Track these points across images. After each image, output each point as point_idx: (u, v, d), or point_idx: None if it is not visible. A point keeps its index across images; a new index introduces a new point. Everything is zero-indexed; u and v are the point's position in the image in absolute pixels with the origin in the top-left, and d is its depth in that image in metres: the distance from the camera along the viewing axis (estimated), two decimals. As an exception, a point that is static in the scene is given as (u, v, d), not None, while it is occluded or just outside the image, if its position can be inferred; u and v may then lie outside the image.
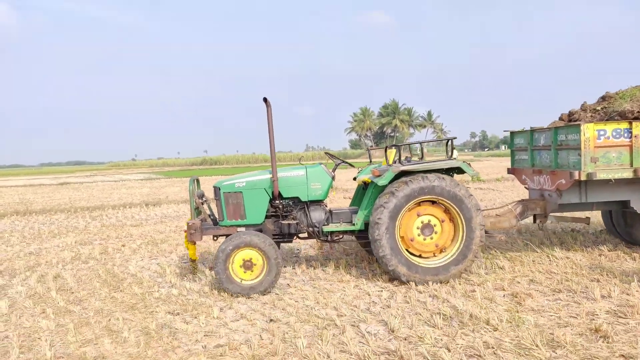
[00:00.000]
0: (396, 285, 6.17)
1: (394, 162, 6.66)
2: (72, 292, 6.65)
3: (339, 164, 7.16)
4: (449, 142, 6.50)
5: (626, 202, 6.99)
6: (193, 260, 7.04)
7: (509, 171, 8.56)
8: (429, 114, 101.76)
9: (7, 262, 8.97)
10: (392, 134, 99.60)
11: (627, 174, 6.41)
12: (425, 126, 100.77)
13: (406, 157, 6.83)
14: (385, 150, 7.06)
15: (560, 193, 6.96)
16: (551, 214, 7.44)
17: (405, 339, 4.46)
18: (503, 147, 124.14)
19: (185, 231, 6.64)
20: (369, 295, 5.89)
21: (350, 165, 7.61)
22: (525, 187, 8.10)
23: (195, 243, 6.78)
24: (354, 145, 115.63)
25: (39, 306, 6.05)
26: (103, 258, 8.89)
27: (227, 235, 6.61)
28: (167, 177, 43.28)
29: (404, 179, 6.16)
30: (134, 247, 9.78)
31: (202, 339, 4.74)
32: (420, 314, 5.09)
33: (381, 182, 6.21)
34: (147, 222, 13.65)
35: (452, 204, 6.13)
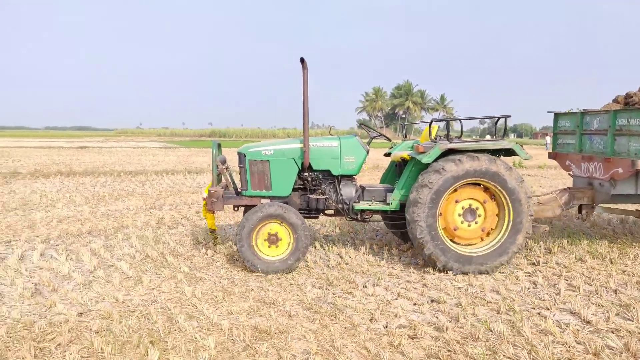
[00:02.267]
0: (541, 270, 5.79)
1: (436, 138, 6.10)
2: (186, 258, 6.27)
3: (374, 136, 6.62)
4: (499, 121, 6.00)
5: None
6: (213, 231, 6.57)
7: (550, 156, 7.91)
8: (442, 98, 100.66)
9: (88, 222, 8.59)
10: (404, 116, 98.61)
11: None
12: (437, 109, 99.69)
13: (444, 134, 6.17)
14: (430, 125, 6.51)
15: (614, 183, 6.40)
16: (600, 204, 6.92)
17: (613, 332, 4.08)
18: (512, 135, 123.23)
19: (204, 199, 6.07)
20: (518, 279, 5.51)
21: (387, 139, 7.11)
22: (569, 174, 7.50)
23: (214, 212, 6.24)
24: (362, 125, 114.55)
25: (163, 271, 5.68)
26: (189, 224, 8.51)
27: (249, 207, 6.10)
28: (186, 147, 42.79)
29: (452, 157, 5.61)
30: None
31: (379, 317, 4.37)
32: (601, 305, 4.71)
33: (426, 159, 5.64)
34: (202, 190, 13.25)
35: (501, 189, 5.59)
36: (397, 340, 3.86)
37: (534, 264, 6.14)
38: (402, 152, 6.53)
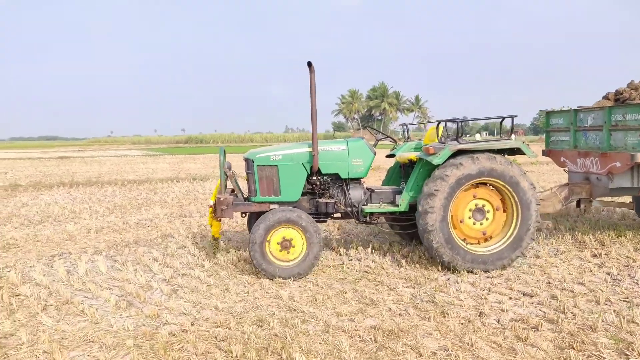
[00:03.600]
0: (607, 262, 5.98)
1: (441, 139, 6.13)
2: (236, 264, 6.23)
3: (380, 139, 6.65)
4: (503, 121, 6.12)
5: None
6: (216, 239, 6.49)
7: (544, 153, 8.04)
8: (417, 98, 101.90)
9: (126, 232, 8.46)
10: (380, 117, 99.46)
11: None
12: (412, 110, 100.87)
13: (447, 135, 6.28)
14: (437, 126, 6.43)
15: (612, 177, 6.57)
16: (598, 198, 7.10)
17: None
18: (485, 133, 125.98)
19: (210, 207, 6.08)
20: (592, 271, 5.68)
21: (394, 140, 7.14)
22: (564, 170, 7.66)
23: (221, 220, 6.20)
24: (338, 127, 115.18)
25: (242, 277, 5.65)
26: (232, 230, 8.45)
27: (258, 213, 6.11)
28: (169, 154, 42.16)
29: (460, 158, 5.64)
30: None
31: (488, 313, 4.46)
32: (686, 290, 4.91)
33: (436, 160, 5.66)
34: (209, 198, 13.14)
35: (508, 187, 5.68)
36: (524, 333, 3.95)
37: (595, 255, 6.33)
38: (408, 153, 6.58)
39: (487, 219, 5.84)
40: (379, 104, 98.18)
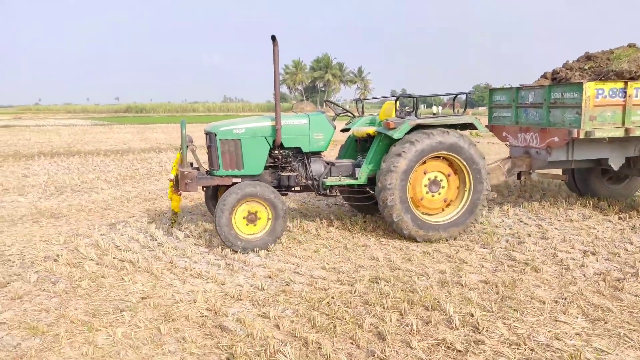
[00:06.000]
0: (636, 223, 6.77)
1: (397, 113, 6.47)
2: (320, 228, 6.55)
3: (339, 113, 6.94)
4: (457, 97, 6.57)
5: (601, 160, 7.34)
6: (175, 213, 6.50)
7: (487, 127, 8.38)
8: (360, 70, 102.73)
9: (159, 201, 8.48)
10: (324, 89, 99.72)
11: (619, 133, 6.60)
12: (355, 82, 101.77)
13: (402, 110, 6.61)
14: (396, 101, 6.67)
15: (550, 150, 7.07)
16: (537, 170, 7.72)
17: None
18: (422, 106, 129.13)
19: (171, 180, 6.15)
20: (629, 232, 6.41)
21: (352, 115, 7.37)
22: (506, 144, 8.13)
23: (181, 194, 6.32)
24: (280, 99, 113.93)
25: (323, 242, 6.00)
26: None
27: (215, 189, 6.44)
28: (120, 124, 40.57)
29: (416, 134, 5.91)
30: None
31: (573, 268, 5.02)
32: None
33: (397, 134, 5.92)
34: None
35: (462, 160, 6.07)
36: (618, 284, 4.55)
37: (621, 218, 7.07)
38: (365, 127, 6.84)
39: (442, 188, 6.21)
40: (322, 75, 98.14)
